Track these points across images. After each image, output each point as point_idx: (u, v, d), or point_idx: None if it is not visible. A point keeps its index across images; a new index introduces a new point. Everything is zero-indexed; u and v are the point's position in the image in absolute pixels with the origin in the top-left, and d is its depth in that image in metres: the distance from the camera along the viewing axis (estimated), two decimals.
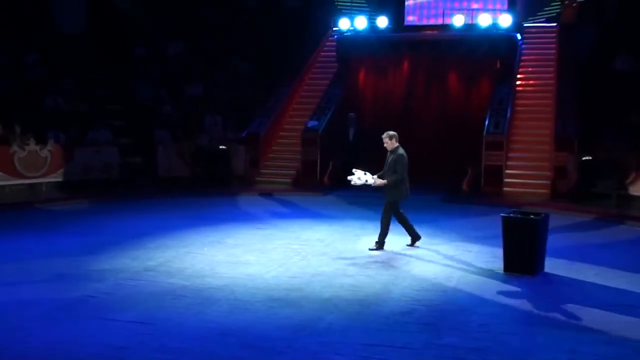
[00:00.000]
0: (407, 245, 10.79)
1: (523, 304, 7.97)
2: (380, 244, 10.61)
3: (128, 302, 7.81)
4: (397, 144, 10.60)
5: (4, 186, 15.65)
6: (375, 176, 10.53)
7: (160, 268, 9.36)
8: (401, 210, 10.75)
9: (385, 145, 10.61)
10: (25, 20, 20.10)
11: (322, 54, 21.89)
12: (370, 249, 10.59)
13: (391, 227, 10.70)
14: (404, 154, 10.57)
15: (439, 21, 20.79)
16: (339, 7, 24.25)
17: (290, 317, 7.34)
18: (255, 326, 7.06)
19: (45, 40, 20.26)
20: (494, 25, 19.10)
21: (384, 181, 10.42)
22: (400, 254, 10.44)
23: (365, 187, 10.68)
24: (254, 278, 8.87)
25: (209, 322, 7.16)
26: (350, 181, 10.54)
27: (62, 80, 19.14)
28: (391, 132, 10.61)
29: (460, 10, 20.51)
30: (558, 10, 21.75)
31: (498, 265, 9.44)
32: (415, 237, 10.87)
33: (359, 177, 10.42)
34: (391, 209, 10.59)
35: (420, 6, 22.70)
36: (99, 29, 21.78)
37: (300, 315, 7.44)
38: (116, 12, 22.27)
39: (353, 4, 24.18)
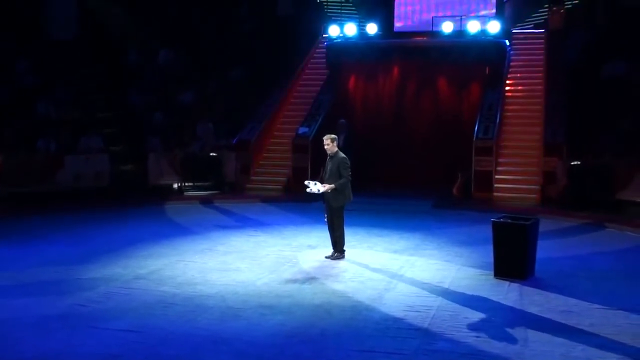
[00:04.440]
0: (326, 257, 10.45)
1: (514, 309, 8.01)
2: (342, 251, 10.45)
3: (119, 311, 7.80)
4: (336, 148, 10.32)
5: None
6: (317, 183, 10.25)
7: (152, 276, 9.35)
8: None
9: (326, 147, 10.26)
10: (16, 27, 20.04)
11: (312, 60, 21.95)
12: (327, 257, 10.40)
13: (386, 232, 10.67)
14: (346, 156, 10.30)
15: (428, 28, 20.91)
16: (328, 14, 24.34)
17: (282, 324, 7.35)
18: (247, 333, 7.07)
19: (36, 47, 20.20)
20: (483, 32, 19.22)
21: (332, 186, 10.09)
22: (391, 260, 10.45)
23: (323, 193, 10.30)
24: (245, 285, 8.88)
25: (201, 330, 7.16)
26: (307, 189, 10.24)
27: (54, 87, 19.08)
28: (332, 135, 10.36)
29: (449, 17, 20.61)
30: (546, 17, 21.90)
31: (489, 270, 9.48)
32: (339, 251, 10.44)
33: (310, 188, 10.14)
34: (339, 214, 10.32)
35: (408, 14, 22.87)
36: (90, 36, 21.74)
37: (292, 322, 7.44)
38: (107, 20, 22.24)
39: (343, 11, 24.28)
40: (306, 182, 10.34)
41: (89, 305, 8.03)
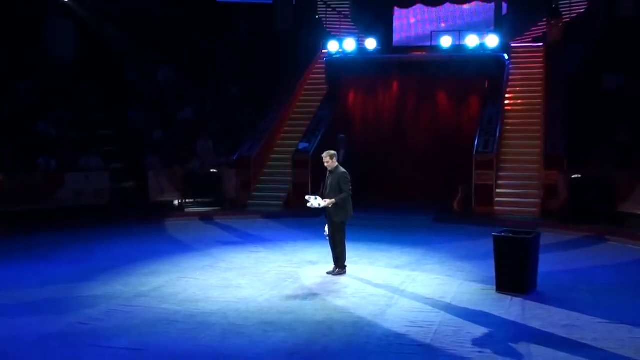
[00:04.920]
0: (327, 273, 10.43)
1: (517, 324, 7.97)
2: (343, 267, 10.43)
3: (121, 329, 7.77)
4: (336, 163, 10.33)
5: None
6: (318, 197, 10.24)
7: (153, 293, 9.32)
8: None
9: (326, 164, 10.28)
10: (16, 47, 20.13)
11: (312, 76, 22.03)
12: (328, 273, 10.38)
13: (387, 246, 10.63)
14: (346, 171, 10.30)
15: (427, 42, 21.02)
16: (327, 29, 24.45)
17: (284, 341, 7.32)
18: (249, 350, 7.03)
19: (36, 67, 20.28)
20: (482, 46, 19.30)
21: (333, 200, 10.09)
22: (392, 275, 10.43)
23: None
24: (247, 302, 8.85)
25: (203, 347, 7.13)
26: (308, 204, 10.23)
27: (54, 106, 19.14)
28: (332, 152, 10.35)
29: (447, 31, 20.73)
30: (544, 30, 22.00)
31: (491, 284, 9.45)
32: (341, 267, 10.44)
33: (311, 203, 10.13)
34: (341, 229, 10.33)
35: (404, 27, 23.03)
36: (90, 55, 21.83)
37: (294, 338, 7.41)
38: (106, 39, 22.34)
39: (342, 27, 24.39)
40: (307, 197, 10.34)
41: (90, 323, 8.00)
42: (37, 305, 8.75)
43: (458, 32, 20.30)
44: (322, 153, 10.46)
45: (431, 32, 21.47)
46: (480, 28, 21.35)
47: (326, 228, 10.42)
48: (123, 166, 18.59)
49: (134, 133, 19.69)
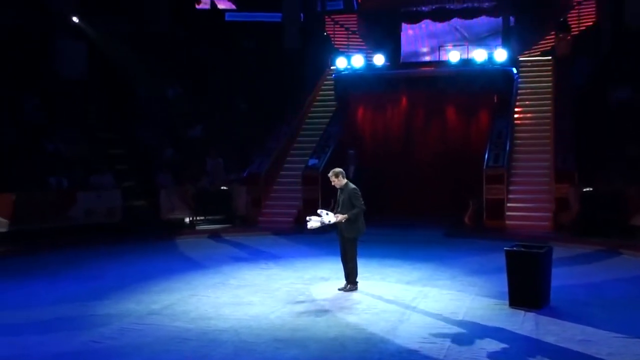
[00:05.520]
0: (339, 289, 10.41)
1: (531, 339, 7.91)
2: (355, 283, 10.41)
3: (134, 347, 7.76)
4: (345, 180, 10.31)
5: (6, 233, 15.68)
6: (330, 213, 10.20)
7: (165, 311, 9.33)
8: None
9: (333, 183, 10.27)
10: (26, 66, 20.33)
11: (321, 92, 22.14)
12: (340, 289, 10.35)
13: (398, 262, 10.61)
14: (356, 187, 10.29)
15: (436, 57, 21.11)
16: (335, 46, 24.58)
17: (296, 358, 7.30)
18: None
19: (46, 86, 20.47)
20: (490, 60, 19.33)
21: (345, 216, 10.08)
22: (404, 291, 10.39)
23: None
24: (258, 319, 8.84)
25: None
26: (308, 226, 10.15)
27: (63, 124, 19.28)
28: (337, 170, 10.31)
29: (455, 45, 20.81)
30: (553, 44, 22.02)
31: (504, 299, 9.40)
32: (352, 283, 10.39)
33: (317, 219, 10.04)
34: (352, 245, 10.31)
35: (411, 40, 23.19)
36: (100, 74, 22.02)
37: (306, 355, 7.39)
38: (116, 58, 22.52)
39: (350, 43, 24.51)
40: (319, 211, 10.31)
41: (103, 341, 8.01)
42: (50, 324, 8.77)
43: (466, 46, 20.36)
44: (332, 169, 10.45)
45: (439, 47, 21.53)
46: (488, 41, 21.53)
47: (313, 217, 10.17)
48: (134, 184, 18.69)
49: (145, 151, 19.80)
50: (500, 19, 22.26)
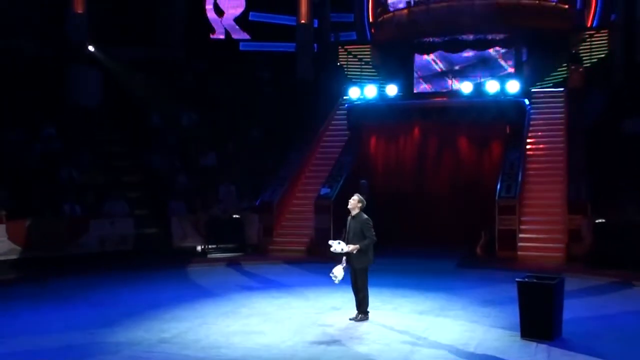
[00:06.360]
0: (350, 319, 10.35)
1: None
2: (366, 313, 10.39)
3: None
4: (360, 209, 10.39)
5: (19, 259, 15.78)
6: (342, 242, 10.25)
7: (175, 340, 9.32)
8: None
9: (350, 207, 10.33)
10: (42, 93, 20.62)
11: (333, 122, 22.24)
12: (351, 319, 10.31)
13: (410, 292, 10.53)
14: (368, 217, 10.32)
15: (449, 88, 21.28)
16: (348, 76, 24.80)
17: None
18: None
19: (60, 113, 20.73)
20: (502, 91, 19.39)
21: (357, 246, 10.11)
22: (416, 321, 10.34)
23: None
24: (269, 348, 8.81)
25: None
26: (331, 249, 10.26)
27: (78, 152, 19.48)
28: (362, 197, 10.44)
29: (468, 77, 20.97)
30: (565, 76, 22.09)
31: (515, 330, 9.33)
32: (363, 312, 10.36)
33: (334, 247, 10.17)
34: (363, 274, 10.28)
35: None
36: (114, 102, 22.29)
37: None
38: (130, 86, 22.81)
39: (363, 74, 24.72)
40: (330, 242, 10.36)
41: None
42: (60, 351, 8.78)
43: (479, 77, 20.51)
44: (347, 199, 10.48)
45: (452, 78, 21.71)
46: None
47: (334, 270, 10.31)
48: (147, 212, 18.78)
49: (158, 179, 19.92)
50: (482, 52, 22.63)
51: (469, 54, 24.46)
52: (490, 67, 24.25)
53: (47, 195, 17.26)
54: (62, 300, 12.30)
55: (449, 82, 23.93)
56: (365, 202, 10.44)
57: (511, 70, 23.85)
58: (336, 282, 10.29)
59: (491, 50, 24.25)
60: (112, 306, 11.66)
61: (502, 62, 24.27)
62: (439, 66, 24.80)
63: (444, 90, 23.33)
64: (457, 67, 24.65)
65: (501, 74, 23.41)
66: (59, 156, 19.16)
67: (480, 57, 24.35)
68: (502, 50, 24.24)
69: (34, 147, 19.14)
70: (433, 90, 24.22)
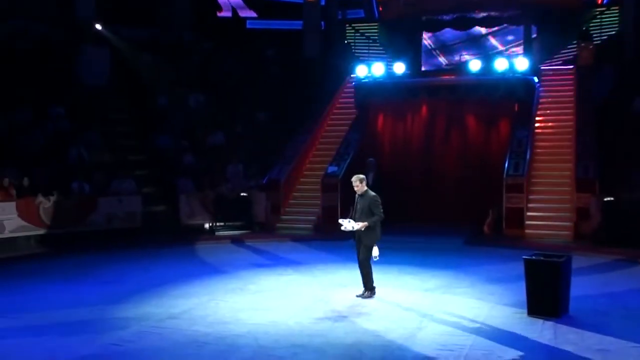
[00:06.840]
0: (357, 295, 10.39)
1: (549, 347, 7.88)
2: (372, 290, 10.44)
3: (152, 351, 7.85)
4: (366, 187, 10.43)
5: (29, 236, 15.94)
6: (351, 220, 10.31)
7: (184, 315, 9.40)
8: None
9: (356, 188, 10.35)
10: (50, 73, 20.63)
11: (341, 100, 22.18)
12: (358, 296, 10.36)
13: (417, 270, 10.55)
14: (376, 194, 10.37)
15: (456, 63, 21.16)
16: (356, 54, 24.65)
17: None
18: None
19: (69, 93, 20.75)
20: (511, 69, 19.24)
21: (365, 223, 10.14)
22: (423, 298, 10.38)
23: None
24: (276, 324, 8.88)
25: None
26: (342, 227, 10.34)
27: (86, 131, 19.53)
28: (361, 176, 10.46)
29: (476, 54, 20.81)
30: (575, 53, 21.90)
31: (522, 308, 9.36)
32: (370, 289, 10.43)
33: (345, 226, 10.24)
34: (368, 251, 10.32)
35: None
36: (122, 82, 22.28)
37: None
38: (138, 66, 22.79)
39: (370, 52, 24.57)
40: (340, 221, 10.40)
41: (123, 344, 8.10)
42: (71, 327, 8.89)
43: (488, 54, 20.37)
44: (352, 177, 10.53)
45: (460, 56, 21.55)
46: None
47: (343, 221, 10.38)
48: (155, 190, 18.84)
49: (165, 158, 19.96)
50: (471, 30, 22.46)
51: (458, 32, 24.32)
52: (480, 46, 24.07)
53: (56, 174, 17.34)
54: (72, 276, 12.43)
55: (441, 59, 23.86)
56: (365, 178, 10.49)
57: (501, 48, 23.62)
58: (342, 228, 10.32)
59: (482, 29, 24.03)
60: (120, 283, 11.77)
61: (493, 41, 24.05)
62: (429, 44, 24.61)
63: (451, 67, 23.18)
64: (448, 44, 24.51)
65: (492, 52, 23.24)
66: (68, 135, 19.21)
67: (470, 35, 24.14)
68: (495, 29, 24.00)
69: (43, 126, 19.19)
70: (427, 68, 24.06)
